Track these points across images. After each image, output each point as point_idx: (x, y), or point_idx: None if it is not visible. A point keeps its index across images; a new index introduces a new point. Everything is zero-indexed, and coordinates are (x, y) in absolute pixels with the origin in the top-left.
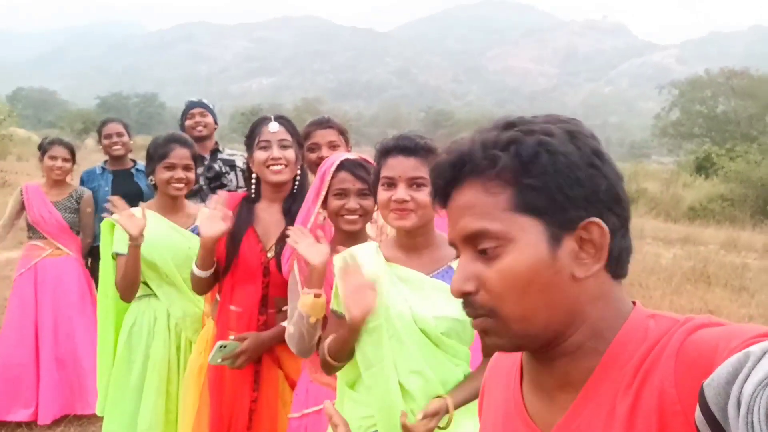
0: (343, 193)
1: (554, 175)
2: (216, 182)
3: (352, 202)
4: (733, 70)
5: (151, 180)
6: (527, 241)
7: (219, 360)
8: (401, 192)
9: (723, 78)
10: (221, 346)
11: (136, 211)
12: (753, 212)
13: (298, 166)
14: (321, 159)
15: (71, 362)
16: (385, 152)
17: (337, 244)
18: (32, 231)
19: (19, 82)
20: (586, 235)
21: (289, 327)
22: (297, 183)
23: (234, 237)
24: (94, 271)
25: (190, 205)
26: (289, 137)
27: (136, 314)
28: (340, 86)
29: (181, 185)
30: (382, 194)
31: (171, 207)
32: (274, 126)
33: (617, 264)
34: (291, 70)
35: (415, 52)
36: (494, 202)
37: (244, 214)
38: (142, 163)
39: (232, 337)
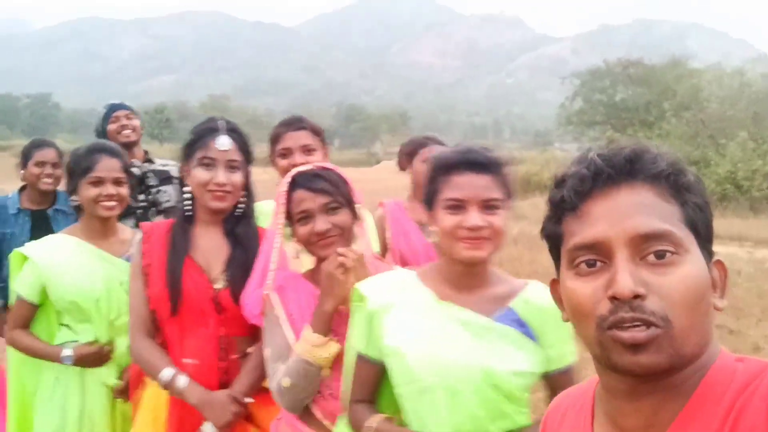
0: (306, 216)
1: (706, 205)
2: (142, 191)
3: (320, 223)
4: (629, 60)
5: (74, 200)
6: (698, 256)
7: None
8: (475, 217)
9: (620, 68)
10: None
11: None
12: None
13: (244, 188)
14: (294, 166)
15: None
16: (448, 168)
17: (322, 274)
18: None
19: None
20: (714, 272)
21: (283, 379)
22: (242, 206)
23: (172, 272)
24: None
25: (124, 229)
26: (239, 156)
27: (58, 368)
28: (246, 83)
29: (113, 203)
30: (448, 219)
31: (100, 231)
32: (223, 142)
33: None
34: (193, 67)
35: (321, 48)
36: (671, 210)
37: (180, 241)
38: (61, 190)
39: (208, 426)
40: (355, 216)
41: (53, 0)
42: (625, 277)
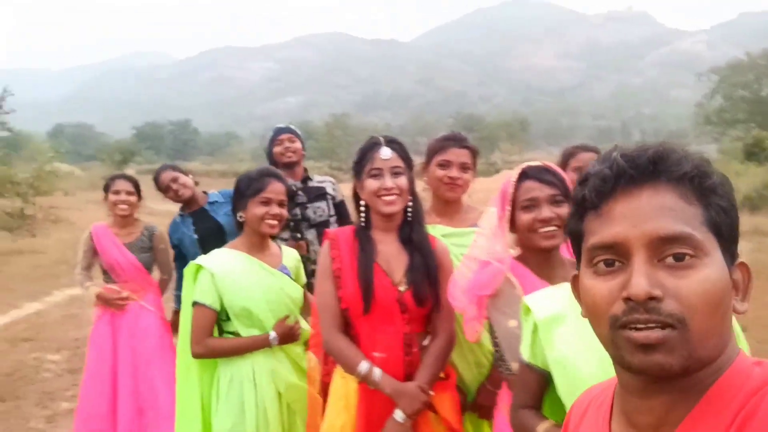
0: (532, 204)
1: (732, 207)
2: (292, 207)
3: (546, 211)
4: None
5: (241, 216)
6: (718, 259)
7: None
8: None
9: (765, 60)
10: None
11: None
12: None
13: (410, 193)
14: (450, 178)
15: (152, 412)
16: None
17: (533, 267)
18: (107, 276)
19: (56, 118)
20: (736, 274)
21: (516, 364)
22: (410, 210)
23: (364, 276)
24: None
25: (273, 245)
26: (401, 163)
27: (232, 369)
28: (365, 99)
29: (275, 222)
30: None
31: (259, 246)
32: (386, 152)
33: None
34: (316, 88)
35: (438, 59)
36: (693, 212)
37: (368, 248)
38: (212, 192)
39: (399, 414)
40: None
41: (191, 33)
42: (641, 278)
